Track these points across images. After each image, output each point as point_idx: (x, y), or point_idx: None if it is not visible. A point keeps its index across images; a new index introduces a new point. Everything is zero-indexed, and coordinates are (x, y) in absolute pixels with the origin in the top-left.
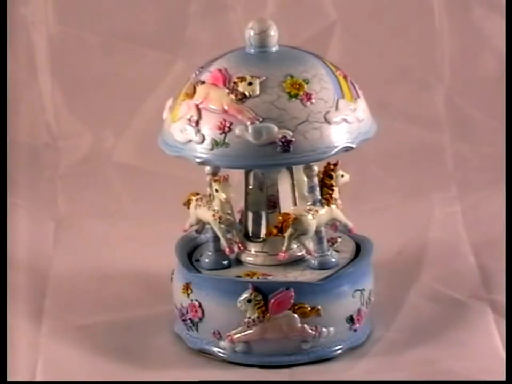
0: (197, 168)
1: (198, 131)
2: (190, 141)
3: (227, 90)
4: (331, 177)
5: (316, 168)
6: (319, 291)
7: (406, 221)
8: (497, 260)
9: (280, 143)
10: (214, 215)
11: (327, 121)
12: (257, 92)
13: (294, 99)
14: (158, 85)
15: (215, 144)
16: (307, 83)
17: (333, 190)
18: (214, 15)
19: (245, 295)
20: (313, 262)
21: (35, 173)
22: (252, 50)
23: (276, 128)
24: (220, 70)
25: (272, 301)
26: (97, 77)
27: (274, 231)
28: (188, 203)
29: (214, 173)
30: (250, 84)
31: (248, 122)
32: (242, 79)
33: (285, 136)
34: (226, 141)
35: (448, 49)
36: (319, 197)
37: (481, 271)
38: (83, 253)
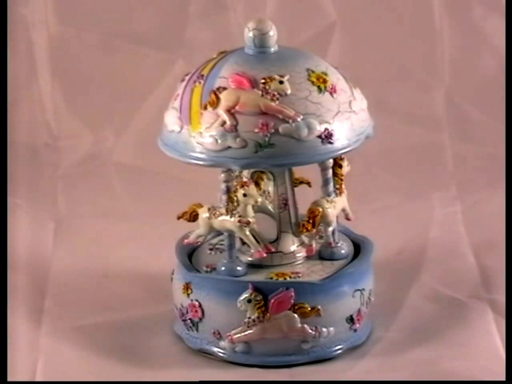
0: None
1: (237, 136)
2: (229, 147)
3: (259, 92)
4: (340, 167)
5: (331, 160)
6: (319, 291)
7: (406, 221)
8: (497, 260)
9: (324, 137)
10: (240, 221)
11: (353, 111)
12: (289, 90)
13: (323, 92)
14: (158, 85)
15: (259, 146)
16: (326, 75)
17: (342, 180)
18: (214, 15)
19: (245, 295)
20: (325, 253)
21: (35, 173)
22: (251, 50)
23: (317, 123)
24: (238, 74)
25: (272, 301)
26: (97, 77)
27: (309, 226)
28: (191, 216)
29: (228, 180)
30: (281, 82)
31: (291, 120)
32: (271, 78)
33: (327, 129)
34: (271, 141)
35: (448, 49)
36: (332, 188)
37: (481, 271)
38: (83, 253)
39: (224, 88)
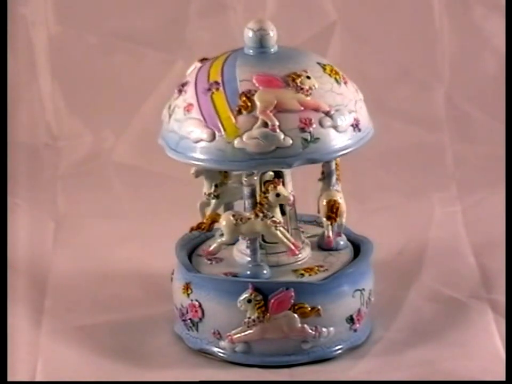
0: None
1: (285, 135)
2: (277, 148)
3: (292, 89)
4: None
5: None
6: (319, 291)
7: (406, 221)
8: (497, 260)
9: (355, 125)
10: (274, 222)
11: (361, 99)
12: (317, 84)
13: (340, 83)
14: (158, 85)
15: (306, 142)
16: (333, 67)
17: (338, 170)
18: (214, 15)
19: (245, 295)
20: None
21: (35, 173)
22: (251, 51)
23: (347, 112)
24: (261, 74)
25: (272, 301)
26: (97, 77)
27: (335, 217)
28: (209, 226)
29: (251, 183)
30: (308, 77)
31: (327, 113)
32: (297, 75)
33: (354, 118)
34: (315, 136)
35: (448, 49)
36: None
37: (481, 271)
38: (83, 253)
39: (255, 90)
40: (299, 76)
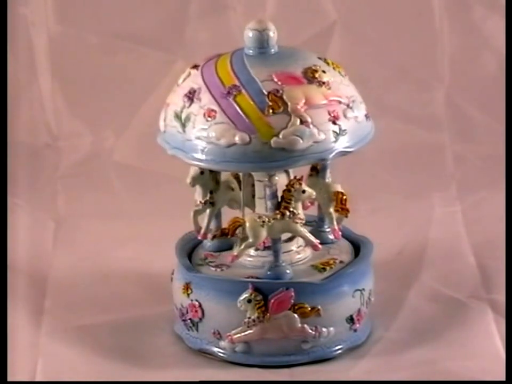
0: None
1: (318, 130)
2: (314, 143)
3: (315, 84)
4: None
5: None
6: (319, 291)
7: (406, 221)
8: (497, 260)
9: (366, 115)
10: (300, 219)
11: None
12: (332, 78)
13: (344, 76)
14: (158, 85)
15: (336, 134)
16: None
17: None
18: (214, 15)
19: (245, 295)
20: (331, 238)
21: (35, 173)
22: (251, 51)
23: (359, 103)
24: (279, 73)
25: (272, 301)
26: (98, 77)
27: (346, 208)
28: (233, 231)
29: (273, 184)
30: (324, 71)
31: (346, 105)
32: (314, 70)
33: (365, 108)
34: (343, 128)
35: (448, 49)
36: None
37: (481, 271)
38: (83, 253)
39: (282, 89)
40: (315, 71)
